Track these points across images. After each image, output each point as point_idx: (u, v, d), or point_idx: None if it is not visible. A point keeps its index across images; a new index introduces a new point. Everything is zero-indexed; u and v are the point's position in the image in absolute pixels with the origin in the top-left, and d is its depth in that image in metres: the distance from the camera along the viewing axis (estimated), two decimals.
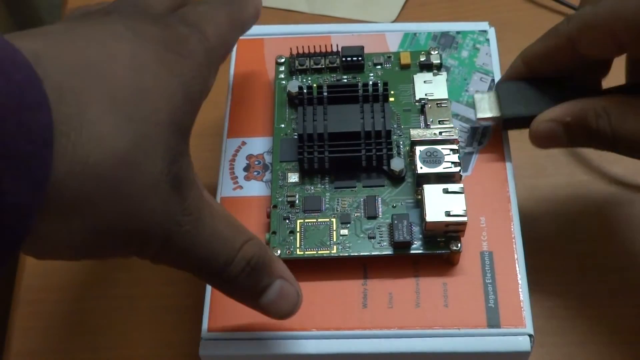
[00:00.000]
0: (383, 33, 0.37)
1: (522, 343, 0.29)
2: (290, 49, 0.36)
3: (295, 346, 0.29)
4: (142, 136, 0.22)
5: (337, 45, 0.36)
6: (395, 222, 0.30)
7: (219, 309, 0.30)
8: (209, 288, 0.31)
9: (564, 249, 0.38)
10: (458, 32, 0.37)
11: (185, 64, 0.25)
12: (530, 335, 0.29)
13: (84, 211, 0.21)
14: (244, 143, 0.35)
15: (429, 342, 0.29)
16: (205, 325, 0.30)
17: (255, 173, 0.34)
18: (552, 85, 0.33)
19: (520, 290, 0.30)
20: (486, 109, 0.33)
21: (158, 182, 0.23)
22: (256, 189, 0.33)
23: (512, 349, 0.29)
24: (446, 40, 0.37)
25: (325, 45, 0.36)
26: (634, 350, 0.35)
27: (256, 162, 0.34)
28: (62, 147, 0.20)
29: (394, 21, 0.47)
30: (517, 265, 0.31)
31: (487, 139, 0.34)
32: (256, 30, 0.36)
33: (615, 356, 0.35)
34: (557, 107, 0.32)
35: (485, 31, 0.37)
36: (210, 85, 0.28)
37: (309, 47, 0.36)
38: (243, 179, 0.34)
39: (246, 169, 0.34)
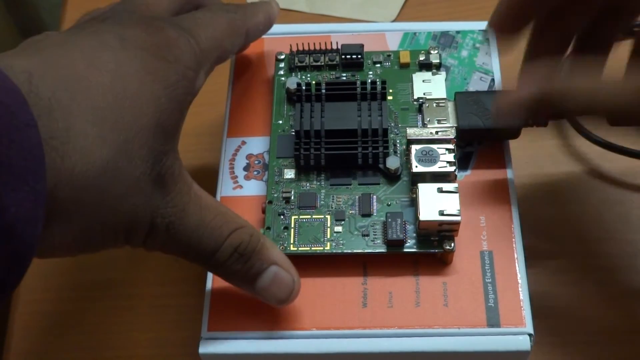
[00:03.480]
0: (383, 32, 0.37)
1: (522, 342, 0.29)
2: (290, 45, 0.36)
3: (294, 345, 0.29)
4: (125, 142, 0.24)
5: (337, 44, 0.36)
6: (389, 220, 0.30)
7: (218, 309, 0.30)
8: (209, 287, 0.31)
9: (563, 249, 0.38)
10: (458, 32, 0.37)
11: (170, 68, 0.27)
12: (530, 335, 0.29)
13: (72, 215, 0.24)
14: (243, 142, 0.35)
15: (428, 341, 0.29)
16: (205, 324, 0.30)
17: (255, 172, 0.34)
18: None
19: (520, 289, 0.30)
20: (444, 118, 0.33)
21: (139, 181, 0.25)
22: (256, 188, 0.33)
23: (512, 348, 0.29)
24: (446, 40, 0.37)
25: (325, 43, 0.36)
26: (634, 350, 0.35)
27: (256, 162, 0.34)
28: (52, 161, 0.22)
29: (394, 21, 0.47)
30: (517, 265, 0.31)
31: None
32: None
33: (615, 356, 0.35)
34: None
35: (485, 30, 0.37)
36: (199, 87, 0.29)
37: (308, 44, 0.36)
38: (243, 178, 0.34)
39: (246, 168, 0.34)
